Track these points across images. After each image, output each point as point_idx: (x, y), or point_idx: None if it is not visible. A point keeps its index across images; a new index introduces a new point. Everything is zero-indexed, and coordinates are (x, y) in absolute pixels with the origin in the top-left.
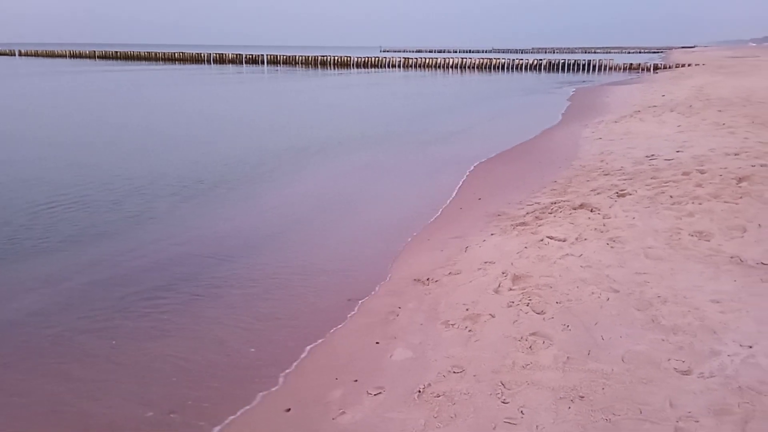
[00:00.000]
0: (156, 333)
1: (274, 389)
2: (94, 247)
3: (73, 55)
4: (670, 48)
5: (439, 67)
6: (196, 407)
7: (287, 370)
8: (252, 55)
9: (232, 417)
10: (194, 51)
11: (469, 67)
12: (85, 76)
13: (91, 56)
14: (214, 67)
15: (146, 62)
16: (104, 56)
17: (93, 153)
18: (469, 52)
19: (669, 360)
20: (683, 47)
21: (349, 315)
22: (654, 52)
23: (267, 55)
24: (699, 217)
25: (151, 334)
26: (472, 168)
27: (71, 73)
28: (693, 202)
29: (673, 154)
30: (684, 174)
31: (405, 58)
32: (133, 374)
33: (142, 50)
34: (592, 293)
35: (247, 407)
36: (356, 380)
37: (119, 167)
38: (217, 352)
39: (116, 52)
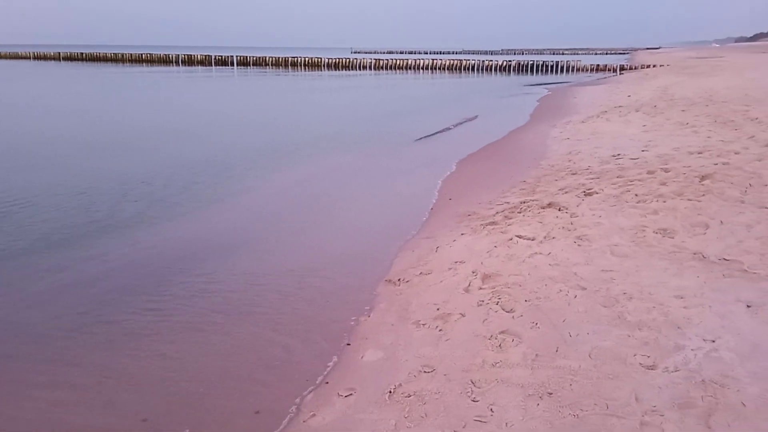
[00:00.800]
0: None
1: (243, 391)
2: (57, 253)
3: (38, 57)
4: (636, 49)
5: (410, 68)
6: (168, 413)
7: (257, 374)
8: (221, 56)
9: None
10: (162, 52)
11: (439, 68)
12: (48, 80)
13: (56, 58)
14: (183, 69)
15: (113, 63)
16: (70, 57)
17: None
18: (440, 53)
19: (635, 355)
20: (648, 48)
21: (321, 316)
22: (620, 54)
23: (237, 56)
24: (663, 214)
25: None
26: (443, 169)
27: (36, 75)
28: (657, 200)
29: (639, 153)
30: (649, 173)
31: (376, 60)
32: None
33: (109, 51)
34: (560, 291)
35: (216, 410)
36: (327, 382)
37: (77, 173)
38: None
39: (82, 53)
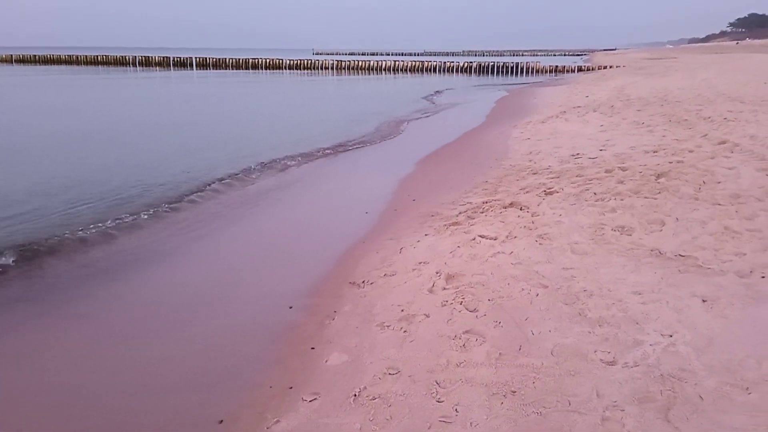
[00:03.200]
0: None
1: (206, 399)
2: None
3: None
4: (593, 50)
5: (372, 69)
6: (129, 424)
7: (220, 382)
8: (180, 57)
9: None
10: (118, 54)
11: (401, 70)
12: None
13: (8, 60)
14: (140, 71)
15: (67, 66)
16: (23, 60)
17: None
18: (402, 54)
19: (595, 351)
20: (605, 50)
21: (285, 321)
22: (577, 55)
23: (196, 57)
24: (621, 212)
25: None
26: (406, 169)
27: None
28: (615, 199)
29: (597, 153)
30: (607, 171)
31: (338, 61)
32: None
33: (63, 53)
34: (523, 289)
35: (178, 420)
36: (291, 387)
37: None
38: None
39: (34, 56)
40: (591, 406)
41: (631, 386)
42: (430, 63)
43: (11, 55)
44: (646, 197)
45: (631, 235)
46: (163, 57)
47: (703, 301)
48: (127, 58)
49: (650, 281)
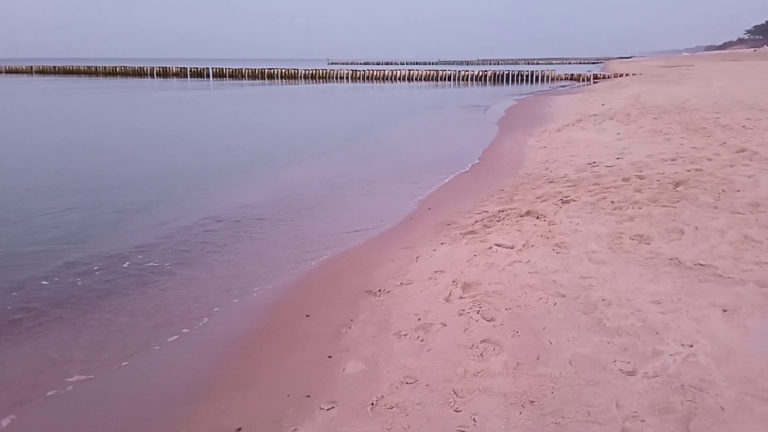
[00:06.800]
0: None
1: (224, 407)
2: None
3: (9, 71)
4: (609, 58)
5: (387, 78)
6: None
7: (237, 390)
8: (197, 68)
9: None
10: (137, 65)
11: (416, 79)
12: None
13: (28, 72)
14: (158, 81)
15: (86, 77)
16: (42, 71)
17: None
18: (417, 64)
19: (614, 361)
20: (621, 58)
21: (302, 329)
22: (593, 63)
23: (213, 68)
24: (639, 221)
25: None
26: (422, 179)
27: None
28: (633, 207)
29: (614, 161)
30: (624, 180)
31: (353, 71)
32: None
33: (82, 64)
34: (540, 298)
35: (197, 428)
36: (308, 396)
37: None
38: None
39: (54, 66)
40: (610, 417)
41: (651, 397)
42: (444, 72)
43: (31, 66)
44: (664, 206)
45: (649, 243)
46: (181, 67)
47: (723, 310)
48: (145, 69)
49: (669, 291)
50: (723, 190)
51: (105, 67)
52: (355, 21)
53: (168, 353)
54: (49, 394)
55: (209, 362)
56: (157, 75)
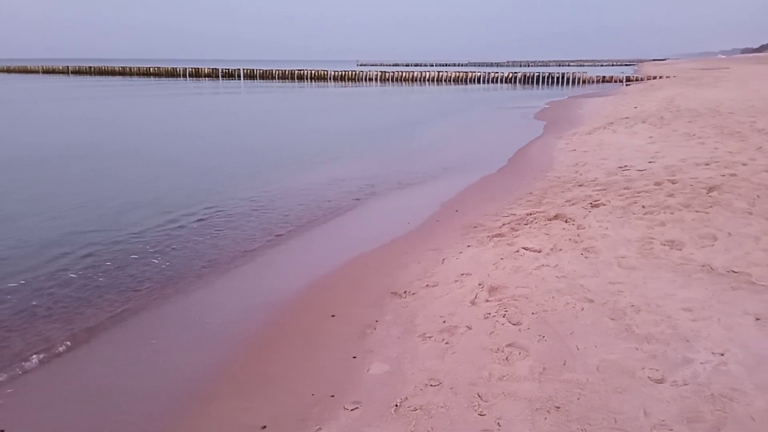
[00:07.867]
0: None
1: (249, 405)
2: None
3: (47, 71)
4: (642, 60)
5: (416, 80)
6: (174, 429)
7: (263, 389)
8: (228, 69)
9: None
10: (170, 65)
11: (445, 80)
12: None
13: (65, 72)
14: (191, 82)
15: (121, 77)
16: (78, 71)
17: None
18: (446, 65)
19: (642, 368)
20: (654, 60)
21: (327, 329)
22: (626, 65)
23: (244, 69)
24: (670, 226)
25: None
26: (449, 180)
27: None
28: (664, 212)
29: (645, 165)
30: (656, 184)
31: (382, 72)
32: None
33: (117, 65)
34: (567, 303)
35: (221, 425)
36: (333, 395)
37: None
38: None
39: (90, 67)
40: (638, 425)
41: (679, 405)
42: (474, 74)
43: (68, 67)
44: (697, 211)
45: (681, 249)
46: (212, 69)
47: (756, 319)
48: (178, 69)
49: (701, 297)
50: (758, 196)
51: (139, 68)
52: (384, 23)
53: (195, 349)
54: (67, 387)
55: (236, 360)
56: (189, 76)
